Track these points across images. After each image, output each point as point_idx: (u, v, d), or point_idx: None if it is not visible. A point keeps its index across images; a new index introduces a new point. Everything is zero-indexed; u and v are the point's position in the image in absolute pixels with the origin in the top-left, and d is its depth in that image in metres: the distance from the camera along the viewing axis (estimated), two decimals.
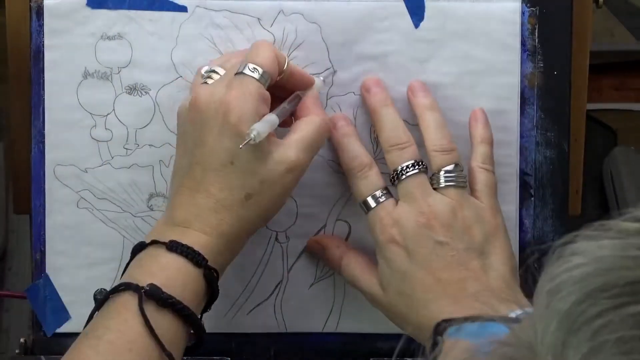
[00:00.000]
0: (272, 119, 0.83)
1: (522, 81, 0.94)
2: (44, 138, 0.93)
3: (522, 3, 0.94)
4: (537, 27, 0.94)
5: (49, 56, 0.93)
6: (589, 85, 0.98)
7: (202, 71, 0.88)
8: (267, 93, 0.85)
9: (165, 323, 0.79)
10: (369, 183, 0.88)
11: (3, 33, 0.96)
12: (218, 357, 0.93)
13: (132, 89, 0.93)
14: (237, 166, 0.82)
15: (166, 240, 0.82)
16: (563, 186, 0.95)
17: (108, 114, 0.93)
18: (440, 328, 0.69)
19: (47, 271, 0.94)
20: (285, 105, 0.87)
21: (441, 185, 0.87)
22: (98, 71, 0.93)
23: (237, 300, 0.94)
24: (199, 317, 0.82)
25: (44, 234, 0.94)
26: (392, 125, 0.89)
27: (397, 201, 0.87)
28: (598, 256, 0.49)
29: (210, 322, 0.93)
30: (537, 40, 0.94)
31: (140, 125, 0.93)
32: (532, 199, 0.95)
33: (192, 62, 0.93)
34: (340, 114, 0.92)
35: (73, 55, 0.93)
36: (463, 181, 0.88)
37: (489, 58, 0.94)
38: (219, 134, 0.82)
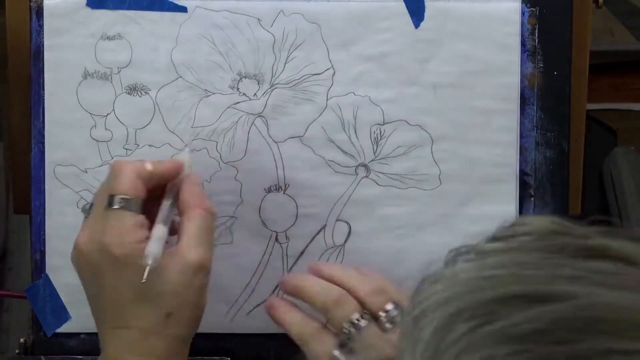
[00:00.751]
0: (160, 234, 0.81)
1: (522, 81, 0.94)
2: (44, 138, 0.93)
3: (522, 3, 0.94)
4: (537, 27, 0.94)
5: (49, 56, 0.93)
6: (589, 85, 0.98)
7: (81, 209, 0.88)
8: (141, 217, 0.83)
9: None
10: (326, 344, 0.84)
11: (3, 33, 0.96)
12: (218, 358, 0.93)
13: (132, 89, 0.93)
14: (144, 294, 0.81)
15: None
16: (563, 186, 0.95)
17: (108, 114, 0.93)
18: None
19: (47, 271, 0.94)
20: (165, 212, 0.84)
21: (390, 327, 0.83)
22: (98, 71, 0.93)
23: (237, 301, 0.94)
24: None
25: (44, 234, 0.94)
26: (321, 286, 0.86)
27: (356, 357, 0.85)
28: (454, 281, 0.49)
29: (210, 322, 0.93)
30: (537, 40, 0.94)
31: (140, 125, 0.93)
32: (532, 199, 0.95)
33: (192, 62, 0.93)
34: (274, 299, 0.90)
35: (73, 55, 0.93)
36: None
37: (489, 58, 0.94)
38: (114, 273, 0.81)
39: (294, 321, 0.87)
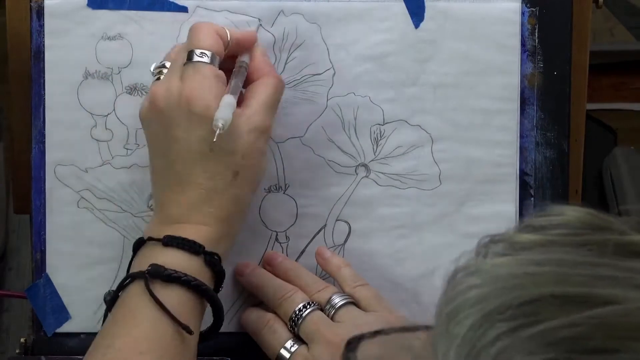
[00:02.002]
0: (230, 101, 0.82)
1: (522, 81, 0.94)
2: (44, 138, 0.93)
3: (522, 3, 0.94)
4: (537, 27, 0.94)
5: (49, 56, 0.93)
6: (589, 85, 0.98)
7: (152, 68, 0.88)
8: (221, 72, 0.84)
9: (175, 297, 0.80)
10: (279, 336, 0.88)
11: (3, 33, 0.96)
12: (218, 358, 0.93)
13: (133, 89, 0.93)
14: (216, 151, 0.82)
15: (161, 236, 0.82)
16: (563, 186, 0.95)
17: (108, 114, 0.93)
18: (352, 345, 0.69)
19: (47, 271, 0.94)
20: (236, 81, 0.86)
21: (333, 312, 0.87)
22: (98, 71, 0.93)
23: (237, 300, 0.94)
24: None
25: (44, 234, 0.94)
26: (272, 285, 0.90)
27: (307, 346, 0.87)
28: (493, 276, 0.48)
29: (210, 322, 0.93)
30: (537, 40, 0.94)
31: (141, 125, 0.93)
32: (532, 199, 0.95)
33: None
34: (245, 262, 0.92)
35: (73, 56, 0.93)
36: (348, 298, 0.88)
37: (489, 58, 0.94)
38: (188, 127, 0.82)
39: (250, 318, 0.91)
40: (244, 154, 0.83)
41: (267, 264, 0.93)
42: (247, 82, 0.87)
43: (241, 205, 0.85)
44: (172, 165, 0.83)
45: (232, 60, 0.88)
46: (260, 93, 0.85)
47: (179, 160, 0.83)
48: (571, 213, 0.50)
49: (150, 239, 0.83)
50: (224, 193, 0.83)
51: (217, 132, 0.80)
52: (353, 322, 0.86)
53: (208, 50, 0.84)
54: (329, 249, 0.93)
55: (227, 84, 0.85)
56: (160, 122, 0.84)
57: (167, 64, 0.87)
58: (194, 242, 0.82)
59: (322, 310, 0.89)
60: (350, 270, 0.92)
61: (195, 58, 0.84)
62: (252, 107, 0.85)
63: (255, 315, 0.91)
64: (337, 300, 0.88)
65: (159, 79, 0.86)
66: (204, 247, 0.82)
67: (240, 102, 0.85)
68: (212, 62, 0.84)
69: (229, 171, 0.83)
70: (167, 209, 0.84)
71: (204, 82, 0.83)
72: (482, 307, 0.47)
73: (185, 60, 0.84)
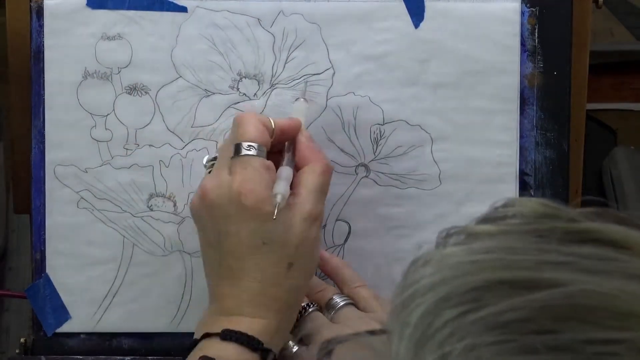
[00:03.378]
0: (286, 174, 0.83)
1: (522, 81, 0.94)
2: (44, 138, 0.93)
3: (522, 3, 0.94)
4: (537, 27, 0.94)
5: (49, 56, 0.93)
6: (589, 85, 0.98)
7: (204, 161, 0.88)
8: (270, 162, 0.84)
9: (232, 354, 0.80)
10: None
11: (3, 33, 0.96)
12: None
13: (132, 89, 0.93)
14: (268, 244, 0.82)
15: (219, 330, 0.81)
16: (563, 186, 0.95)
17: (108, 114, 0.93)
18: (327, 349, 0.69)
19: (47, 271, 0.94)
20: (288, 156, 0.86)
21: (333, 313, 0.88)
22: (98, 71, 0.93)
23: None
24: None
25: (44, 234, 0.94)
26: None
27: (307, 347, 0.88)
28: (444, 264, 0.49)
29: None
30: (537, 40, 0.94)
31: (140, 125, 0.93)
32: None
33: (192, 62, 0.93)
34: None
35: (73, 56, 0.93)
36: (347, 299, 0.89)
37: (489, 58, 0.94)
38: (240, 221, 0.82)
39: None
40: (297, 244, 0.82)
41: None
42: (294, 170, 0.86)
43: (297, 295, 0.84)
44: (225, 258, 0.83)
45: (274, 147, 0.87)
46: (309, 180, 0.84)
47: (232, 254, 0.82)
48: (524, 203, 0.52)
49: (208, 334, 0.82)
50: (279, 285, 0.82)
51: (277, 206, 0.80)
52: (352, 323, 0.86)
53: (254, 142, 0.83)
54: (328, 251, 0.93)
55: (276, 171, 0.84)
56: (212, 216, 0.83)
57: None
58: (253, 338, 0.81)
59: (321, 310, 0.89)
60: (350, 271, 0.92)
61: (243, 151, 0.83)
62: (302, 195, 0.83)
63: None
64: (337, 302, 0.88)
65: (210, 172, 0.86)
66: (263, 344, 0.81)
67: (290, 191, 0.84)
68: (259, 153, 0.83)
69: (283, 263, 0.82)
70: (222, 302, 0.83)
71: (254, 174, 0.82)
72: (433, 295, 0.48)
73: (232, 153, 0.83)
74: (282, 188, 0.81)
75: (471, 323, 0.46)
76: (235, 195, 0.81)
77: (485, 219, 0.52)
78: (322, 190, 0.85)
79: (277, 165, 0.84)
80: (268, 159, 0.84)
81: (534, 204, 0.51)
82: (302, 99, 0.91)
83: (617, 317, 0.45)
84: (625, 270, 0.47)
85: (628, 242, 0.49)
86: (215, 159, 0.86)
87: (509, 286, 0.47)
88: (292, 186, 0.84)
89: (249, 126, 0.84)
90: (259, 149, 0.83)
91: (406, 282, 0.50)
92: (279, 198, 0.80)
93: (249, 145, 0.83)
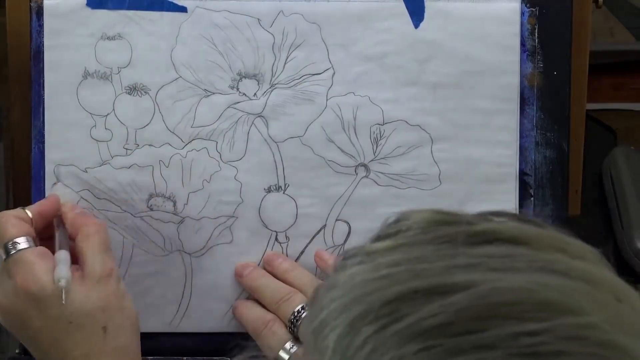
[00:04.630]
0: (63, 256, 0.83)
1: (522, 81, 0.94)
2: (44, 138, 0.93)
3: (522, 3, 0.94)
4: (537, 27, 0.94)
5: (49, 56, 0.93)
6: (589, 85, 0.98)
7: None
8: (42, 248, 0.85)
9: None
10: (278, 338, 0.88)
11: (3, 33, 0.96)
12: (218, 358, 0.93)
13: (132, 89, 0.93)
14: (74, 321, 0.82)
15: None
16: (563, 186, 0.95)
17: (108, 114, 0.93)
18: None
19: None
20: (59, 237, 0.87)
21: None
22: (98, 71, 0.93)
23: (237, 300, 0.94)
24: None
25: None
26: (271, 287, 0.91)
27: None
28: (351, 284, 0.49)
29: (210, 322, 0.93)
30: (537, 40, 0.94)
31: (140, 125, 0.93)
32: (532, 199, 0.95)
33: (192, 62, 0.93)
34: (244, 263, 0.93)
35: (73, 56, 0.93)
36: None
37: (489, 58, 0.94)
38: (40, 313, 0.82)
39: (250, 317, 0.91)
40: (102, 307, 0.83)
41: (267, 265, 0.93)
42: (71, 241, 0.87)
43: (126, 351, 0.84)
44: (46, 351, 0.83)
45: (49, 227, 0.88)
46: (87, 245, 0.85)
47: (48, 345, 0.83)
48: (417, 215, 0.52)
49: None
50: (103, 352, 0.83)
51: (63, 291, 0.81)
52: None
53: (18, 237, 0.84)
54: (328, 251, 0.93)
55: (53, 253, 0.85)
56: (16, 321, 0.84)
57: None
58: None
59: None
60: None
61: (11, 250, 0.84)
62: (86, 262, 0.84)
63: (255, 316, 0.91)
64: None
65: None
66: None
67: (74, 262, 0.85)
68: (27, 246, 0.84)
69: (96, 330, 0.83)
70: None
71: (31, 268, 0.83)
72: (346, 316, 0.47)
73: (4, 256, 0.84)
74: (62, 272, 0.82)
75: (392, 335, 0.46)
76: (23, 295, 0.82)
77: (379, 237, 0.52)
78: (103, 248, 0.85)
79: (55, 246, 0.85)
80: (45, 245, 0.85)
81: (427, 213, 0.52)
82: (59, 184, 0.92)
83: (536, 309, 0.46)
84: (531, 264, 0.48)
85: (526, 237, 0.49)
86: None
87: (423, 294, 0.46)
88: (74, 257, 0.85)
89: (4, 226, 0.85)
90: (25, 242, 0.84)
91: (315, 309, 0.50)
92: (62, 282, 0.81)
93: (13, 243, 0.84)
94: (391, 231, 0.52)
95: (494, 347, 0.44)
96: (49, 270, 0.83)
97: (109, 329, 0.83)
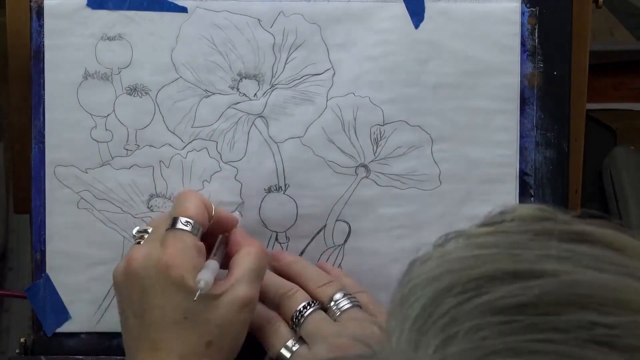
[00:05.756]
0: (214, 265, 0.83)
1: (522, 81, 0.94)
2: (44, 138, 0.93)
3: (522, 3, 0.94)
4: (537, 27, 0.94)
5: (49, 56, 0.93)
6: (589, 85, 0.99)
7: (134, 232, 0.88)
8: (202, 244, 0.84)
9: None
10: (280, 335, 0.88)
11: (3, 33, 0.96)
12: None
13: (133, 90, 0.93)
14: (191, 319, 0.82)
15: None
16: (563, 186, 0.95)
17: (108, 115, 0.93)
18: None
19: (47, 271, 0.94)
20: (220, 248, 0.86)
21: (338, 314, 0.87)
22: (98, 72, 0.93)
23: None
24: None
25: (44, 233, 0.94)
26: (274, 284, 0.90)
27: (309, 346, 0.87)
28: (444, 259, 0.51)
29: None
30: (537, 40, 0.94)
31: (141, 125, 0.93)
32: (532, 199, 0.95)
33: (192, 63, 0.93)
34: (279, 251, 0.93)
35: (73, 56, 0.93)
36: (356, 300, 0.88)
37: (489, 58, 0.94)
38: (164, 294, 0.82)
39: (254, 315, 0.89)
40: (220, 324, 0.83)
41: (273, 260, 0.93)
42: (227, 257, 0.87)
43: None
44: (147, 329, 0.83)
45: (208, 236, 0.88)
46: (242, 264, 0.85)
47: (152, 326, 0.82)
48: (522, 209, 0.54)
49: None
50: (195, 355, 0.82)
51: (198, 292, 0.80)
52: (353, 325, 0.86)
53: (192, 219, 0.84)
54: (328, 251, 0.94)
55: (206, 257, 0.85)
56: (136, 287, 0.83)
57: (149, 229, 0.86)
58: None
59: (324, 307, 0.88)
60: (350, 280, 0.92)
61: (179, 225, 0.84)
62: (235, 278, 0.84)
63: (258, 314, 0.91)
64: (343, 304, 0.88)
65: (139, 242, 0.86)
66: None
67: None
68: (194, 231, 0.84)
69: (202, 340, 0.82)
70: None
71: (185, 250, 0.83)
72: (433, 287, 0.49)
73: (169, 226, 0.84)
74: (206, 275, 0.81)
75: (473, 308, 0.48)
76: (162, 268, 0.82)
77: (483, 224, 0.54)
78: (258, 273, 0.85)
79: (208, 252, 0.85)
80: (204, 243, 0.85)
81: (530, 208, 0.54)
82: (237, 212, 0.92)
83: (616, 305, 0.47)
84: (620, 269, 0.49)
85: (621, 244, 0.51)
86: (145, 231, 0.87)
87: (510, 275, 0.48)
88: (228, 268, 0.85)
89: (190, 203, 0.85)
90: (194, 227, 0.84)
91: (405, 279, 0.52)
92: (202, 284, 0.80)
93: (187, 221, 0.84)
94: (495, 220, 0.54)
95: (569, 332, 0.46)
96: (197, 265, 0.82)
97: (212, 346, 0.82)
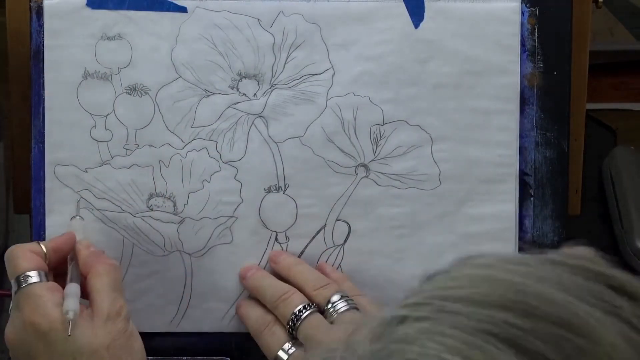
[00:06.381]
0: (73, 289, 0.84)
1: (522, 81, 0.94)
2: (44, 138, 0.93)
3: (522, 3, 0.94)
4: (537, 27, 0.94)
5: (49, 56, 0.93)
6: (589, 85, 0.99)
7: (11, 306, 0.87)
8: (52, 283, 0.85)
9: None
10: (277, 338, 0.88)
11: (3, 33, 0.96)
12: (218, 357, 0.94)
13: (132, 89, 0.93)
14: (78, 358, 0.82)
15: None
16: (563, 186, 0.95)
17: (108, 114, 0.93)
18: None
19: None
20: (71, 271, 0.87)
21: (335, 316, 0.87)
22: (98, 71, 0.93)
23: (237, 301, 0.94)
24: None
25: (44, 233, 0.94)
26: (271, 287, 0.90)
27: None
28: (464, 275, 0.50)
29: (210, 322, 0.93)
30: (537, 40, 0.94)
31: (140, 125, 0.93)
32: (532, 199, 0.95)
33: (192, 62, 0.93)
34: (248, 266, 0.93)
35: (73, 56, 0.93)
36: (353, 303, 0.88)
37: (489, 58, 0.94)
38: (47, 348, 0.82)
39: (252, 316, 0.91)
40: (107, 345, 0.83)
41: (272, 262, 0.93)
42: (83, 277, 0.87)
43: None
44: None
45: (64, 262, 0.88)
46: (97, 283, 0.85)
47: None
48: (573, 248, 0.53)
49: None
50: None
51: (70, 323, 0.80)
52: (350, 326, 0.86)
53: (27, 270, 0.84)
54: (328, 251, 0.93)
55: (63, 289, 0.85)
56: (23, 356, 0.84)
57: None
58: None
59: (321, 309, 0.88)
60: (350, 284, 0.92)
61: (22, 284, 0.84)
62: (96, 299, 0.84)
63: (256, 315, 0.91)
64: (340, 306, 0.88)
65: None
66: None
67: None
68: (38, 280, 0.84)
69: None
70: None
71: (39, 300, 0.83)
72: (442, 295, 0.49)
73: (15, 289, 0.84)
74: (71, 304, 0.82)
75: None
76: (30, 328, 0.82)
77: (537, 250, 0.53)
78: (114, 287, 0.85)
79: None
80: (58, 280, 0.85)
81: (586, 251, 0.53)
82: (77, 217, 0.92)
83: (578, 332, 0.47)
84: (627, 318, 0.49)
85: None
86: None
87: (506, 302, 0.48)
88: (85, 295, 0.85)
89: (17, 259, 0.85)
90: (36, 276, 0.84)
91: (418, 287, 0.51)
92: (70, 315, 0.81)
93: (25, 277, 0.84)
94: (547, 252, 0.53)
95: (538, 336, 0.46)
96: (57, 304, 0.83)
97: None
